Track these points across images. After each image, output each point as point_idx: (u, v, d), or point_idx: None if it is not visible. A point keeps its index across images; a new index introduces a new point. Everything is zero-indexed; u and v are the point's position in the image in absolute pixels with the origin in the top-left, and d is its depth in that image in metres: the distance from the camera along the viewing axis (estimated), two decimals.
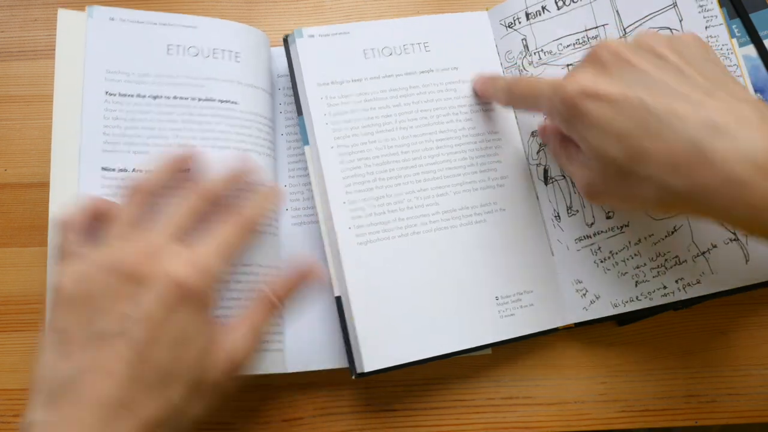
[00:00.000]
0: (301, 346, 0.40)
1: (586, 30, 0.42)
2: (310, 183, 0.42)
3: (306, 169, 0.43)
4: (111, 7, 0.41)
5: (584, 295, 0.40)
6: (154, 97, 0.40)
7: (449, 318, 0.40)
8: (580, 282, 0.41)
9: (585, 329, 0.43)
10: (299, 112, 0.43)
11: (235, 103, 0.41)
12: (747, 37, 0.40)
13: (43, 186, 0.45)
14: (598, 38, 0.42)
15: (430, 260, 0.40)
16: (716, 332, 0.43)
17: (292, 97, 0.44)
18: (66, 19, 0.41)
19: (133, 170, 0.39)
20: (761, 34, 0.40)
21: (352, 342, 0.39)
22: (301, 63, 0.43)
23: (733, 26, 0.41)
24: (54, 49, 0.40)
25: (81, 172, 0.38)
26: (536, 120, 0.43)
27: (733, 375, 0.42)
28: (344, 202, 0.41)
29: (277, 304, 0.33)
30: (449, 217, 0.41)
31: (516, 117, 0.44)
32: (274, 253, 0.41)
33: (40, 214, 0.41)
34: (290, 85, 0.44)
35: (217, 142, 0.40)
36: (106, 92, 0.40)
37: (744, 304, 0.43)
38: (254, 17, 0.50)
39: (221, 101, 0.41)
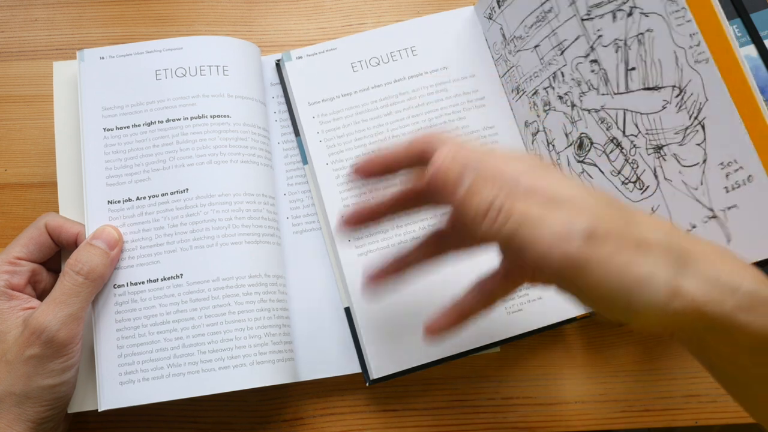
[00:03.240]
0: (312, 354, 0.40)
1: (541, 4, 0.40)
2: (309, 191, 0.43)
3: (305, 176, 0.43)
4: (100, 47, 0.42)
5: None
6: (149, 124, 0.41)
7: None
8: None
9: (585, 329, 0.43)
10: (296, 132, 0.43)
11: (227, 116, 0.41)
12: (747, 36, 0.40)
13: (43, 186, 0.45)
14: (552, 11, 0.39)
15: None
16: None
17: (285, 105, 0.44)
18: (61, 70, 0.43)
19: (137, 198, 0.39)
20: (761, 34, 0.40)
21: (362, 350, 0.39)
22: (291, 85, 0.44)
23: (734, 26, 0.41)
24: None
25: (88, 209, 0.39)
26: (526, 109, 0.42)
27: None
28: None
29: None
30: None
31: (511, 108, 0.44)
32: (278, 262, 0.41)
33: (40, 214, 0.41)
34: (282, 93, 0.44)
35: (214, 158, 0.40)
36: (104, 129, 0.41)
37: None
38: (254, 17, 0.50)
39: (213, 116, 0.41)
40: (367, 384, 0.39)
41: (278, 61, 0.45)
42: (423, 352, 0.39)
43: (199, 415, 0.41)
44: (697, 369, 0.42)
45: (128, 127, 0.41)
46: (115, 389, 0.37)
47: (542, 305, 0.40)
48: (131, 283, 0.38)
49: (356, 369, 0.40)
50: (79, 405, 0.38)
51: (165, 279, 0.38)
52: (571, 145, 0.40)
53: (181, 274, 0.38)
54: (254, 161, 0.41)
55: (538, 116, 0.42)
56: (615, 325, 0.43)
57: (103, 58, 0.42)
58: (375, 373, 0.39)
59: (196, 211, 0.39)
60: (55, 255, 0.39)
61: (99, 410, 0.36)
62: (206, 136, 0.40)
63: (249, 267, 0.39)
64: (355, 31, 0.49)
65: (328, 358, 0.40)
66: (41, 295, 0.37)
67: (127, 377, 0.37)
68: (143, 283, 0.38)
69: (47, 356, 0.34)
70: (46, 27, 0.49)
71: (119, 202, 0.39)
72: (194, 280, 0.38)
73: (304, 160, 0.43)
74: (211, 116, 0.41)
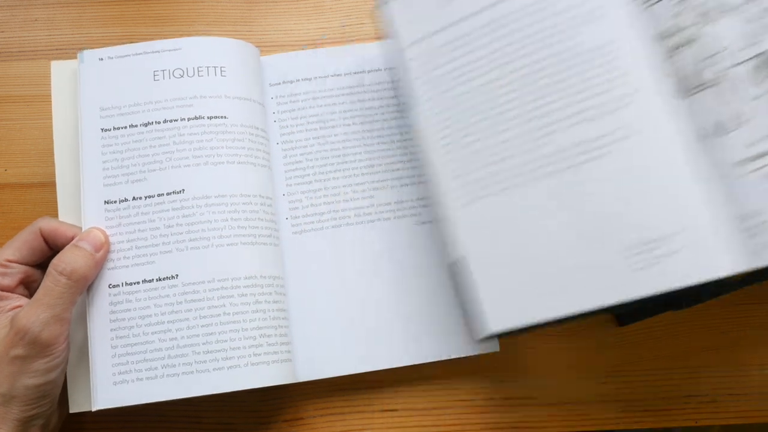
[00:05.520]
0: (311, 355, 0.40)
1: None
2: (308, 191, 0.43)
3: (304, 176, 0.43)
4: (99, 48, 0.42)
5: (757, 233, 0.33)
6: (146, 125, 0.41)
7: (569, 276, 0.35)
8: (756, 216, 0.33)
9: (585, 329, 0.43)
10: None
11: (225, 117, 0.41)
12: None
13: (44, 186, 0.45)
14: None
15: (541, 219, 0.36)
16: (716, 332, 0.43)
17: (286, 106, 0.45)
18: (59, 69, 0.43)
19: (133, 198, 0.39)
20: None
21: (475, 305, 0.36)
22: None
23: None
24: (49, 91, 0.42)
25: (85, 208, 0.39)
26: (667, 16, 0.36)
27: (733, 375, 0.42)
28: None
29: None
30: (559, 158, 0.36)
31: (635, 19, 0.38)
32: (275, 263, 0.41)
33: (41, 214, 0.41)
34: (282, 94, 0.45)
35: (210, 159, 0.40)
36: (102, 129, 0.41)
37: (744, 304, 0.43)
38: (254, 17, 0.50)
39: (210, 117, 0.41)
40: (478, 341, 0.39)
41: None
42: (544, 308, 0.35)
43: (200, 415, 0.41)
44: (697, 369, 0.42)
45: (125, 127, 0.41)
46: (109, 389, 0.37)
47: (679, 260, 0.33)
48: (126, 283, 0.38)
49: (356, 369, 0.40)
50: (79, 405, 0.38)
51: (160, 279, 0.38)
52: (754, 57, 0.33)
53: (176, 275, 0.38)
54: (251, 162, 0.41)
55: (694, 24, 0.35)
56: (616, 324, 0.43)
57: (102, 59, 0.42)
58: (493, 326, 0.35)
59: (192, 212, 0.39)
60: (51, 257, 0.39)
61: (92, 410, 0.36)
62: (203, 137, 0.40)
63: (245, 268, 0.39)
64: (355, 31, 0.49)
65: (328, 359, 0.40)
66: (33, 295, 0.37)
67: (121, 377, 0.37)
68: (138, 283, 0.38)
69: (31, 356, 0.34)
70: (46, 27, 0.49)
71: (115, 202, 0.39)
72: (189, 281, 0.38)
73: (407, 106, 0.41)
74: (208, 117, 0.41)
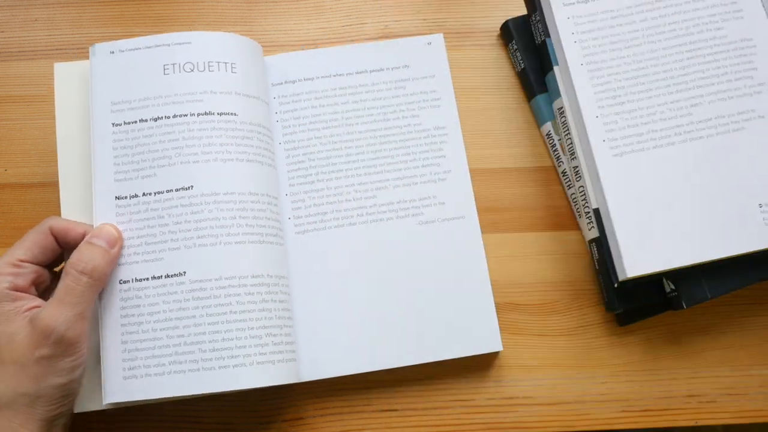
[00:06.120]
0: (313, 355, 0.40)
1: None
2: (311, 191, 0.43)
3: (307, 177, 0.43)
4: (110, 41, 0.42)
5: None
6: (156, 119, 0.40)
7: (704, 226, 0.40)
8: None
9: (585, 329, 0.43)
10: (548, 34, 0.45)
11: (235, 114, 0.41)
12: None
13: (44, 186, 0.45)
14: None
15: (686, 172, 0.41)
16: (716, 332, 0.43)
17: (288, 105, 0.45)
18: (61, 71, 0.42)
19: (143, 194, 0.39)
20: None
21: (613, 251, 0.40)
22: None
23: None
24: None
25: (96, 204, 0.39)
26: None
27: (733, 375, 0.42)
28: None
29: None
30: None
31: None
32: (280, 262, 0.41)
33: (41, 214, 0.41)
34: (285, 94, 0.45)
35: (219, 155, 0.40)
36: (113, 124, 0.40)
37: (744, 304, 0.43)
38: (254, 17, 0.50)
39: (220, 114, 0.41)
40: (615, 285, 0.39)
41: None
42: (675, 255, 0.39)
43: (200, 415, 0.41)
44: (697, 369, 0.42)
45: (135, 122, 0.40)
46: (119, 383, 0.37)
47: None
48: (136, 279, 0.38)
49: (358, 369, 0.40)
50: (84, 405, 0.38)
51: (168, 276, 0.38)
52: None
53: (184, 272, 0.38)
54: (259, 161, 0.41)
55: None
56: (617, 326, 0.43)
57: (113, 52, 0.42)
58: (629, 271, 0.39)
59: (201, 209, 0.39)
60: (60, 256, 0.39)
61: (103, 403, 0.36)
62: (212, 134, 0.40)
63: (252, 267, 0.39)
64: (356, 32, 0.49)
65: (330, 359, 0.40)
66: (42, 295, 0.37)
67: (131, 372, 0.37)
68: (147, 279, 0.38)
69: (57, 356, 0.34)
70: (46, 27, 0.49)
71: (126, 197, 0.39)
72: (197, 279, 0.38)
73: (555, 63, 0.44)
74: (218, 113, 0.41)
